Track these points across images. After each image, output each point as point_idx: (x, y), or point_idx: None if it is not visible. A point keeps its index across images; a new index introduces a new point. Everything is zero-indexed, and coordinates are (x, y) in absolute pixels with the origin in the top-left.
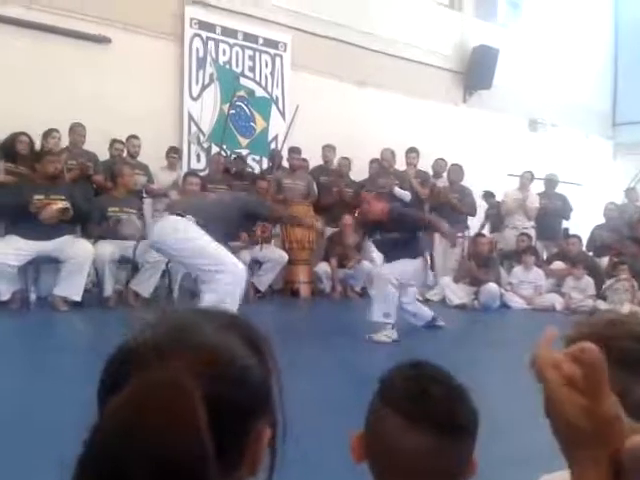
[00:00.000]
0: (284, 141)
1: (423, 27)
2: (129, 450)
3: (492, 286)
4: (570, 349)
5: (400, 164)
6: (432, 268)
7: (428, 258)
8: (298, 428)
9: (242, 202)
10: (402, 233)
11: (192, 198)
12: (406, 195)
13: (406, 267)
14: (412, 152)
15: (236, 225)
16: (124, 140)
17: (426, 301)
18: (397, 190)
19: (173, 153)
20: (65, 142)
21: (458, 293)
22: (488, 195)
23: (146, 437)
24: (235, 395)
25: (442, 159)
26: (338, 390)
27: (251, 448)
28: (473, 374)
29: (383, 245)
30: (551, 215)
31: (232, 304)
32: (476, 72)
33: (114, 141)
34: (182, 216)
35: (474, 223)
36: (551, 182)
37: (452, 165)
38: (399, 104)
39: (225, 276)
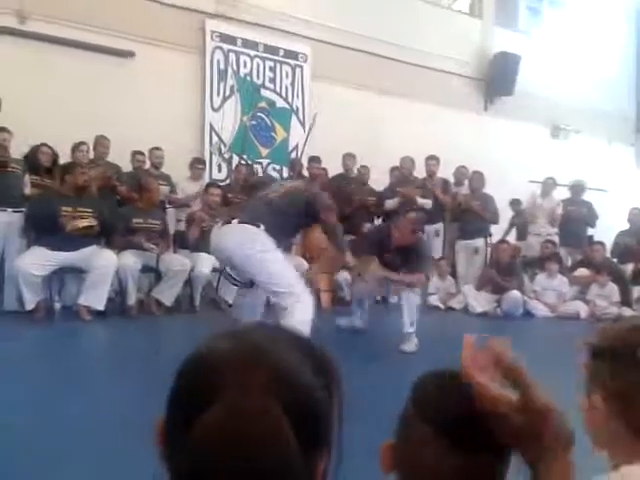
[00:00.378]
0: (303, 149)
1: (443, 35)
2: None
3: (515, 294)
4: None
5: (421, 172)
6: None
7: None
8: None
9: (307, 196)
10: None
11: (257, 202)
12: (427, 203)
13: None
14: (432, 159)
15: (294, 228)
16: (147, 152)
17: (448, 309)
18: (419, 200)
19: (198, 164)
20: (90, 155)
21: (480, 301)
22: (515, 203)
23: (237, 463)
24: (307, 418)
25: (464, 167)
26: (365, 399)
27: (314, 471)
28: None
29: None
30: (576, 222)
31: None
32: (497, 79)
33: (135, 152)
34: (257, 226)
35: (497, 231)
36: (577, 188)
37: (474, 173)
38: (420, 112)
39: (298, 307)
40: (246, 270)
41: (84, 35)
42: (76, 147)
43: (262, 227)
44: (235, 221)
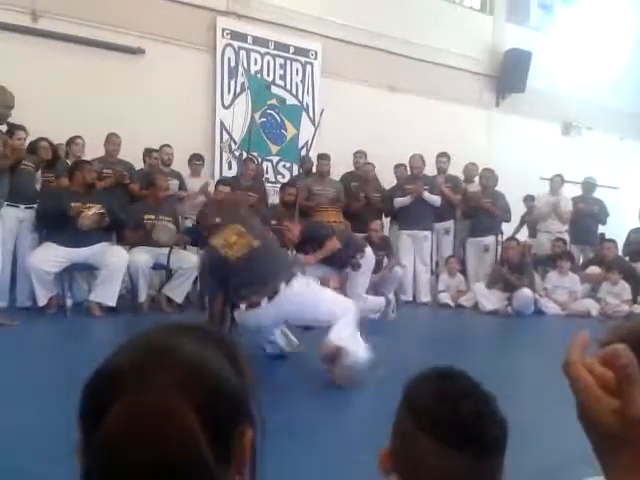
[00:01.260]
0: (311, 145)
1: (454, 31)
2: (129, 471)
3: (526, 291)
4: (602, 351)
5: (431, 169)
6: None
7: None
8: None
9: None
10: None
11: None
12: (436, 200)
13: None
14: (442, 157)
15: None
16: (158, 149)
17: (458, 307)
18: (427, 195)
19: (196, 160)
20: (100, 152)
21: (491, 299)
22: (528, 199)
23: (144, 460)
24: (218, 405)
25: (473, 163)
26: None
27: (236, 450)
28: (506, 381)
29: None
30: (587, 219)
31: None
32: (509, 76)
33: (149, 150)
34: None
35: (509, 228)
36: (589, 186)
37: (484, 170)
38: (431, 109)
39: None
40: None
41: (95, 32)
42: (72, 141)
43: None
44: None
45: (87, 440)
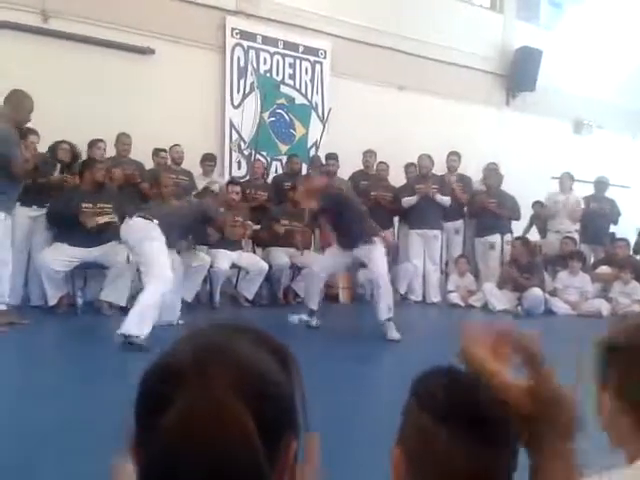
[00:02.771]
0: (319, 144)
1: (464, 30)
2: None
3: (536, 291)
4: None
5: (442, 168)
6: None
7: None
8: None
9: (200, 208)
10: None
11: (163, 206)
12: (446, 201)
13: (381, 254)
14: (453, 155)
15: (189, 230)
16: (167, 148)
17: (468, 306)
18: (437, 196)
19: (208, 161)
20: (111, 152)
21: (501, 298)
22: (537, 205)
23: (202, 460)
24: (268, 410)
25: (494, 164)
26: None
27: (281, 460)
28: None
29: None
30: (598, 219)
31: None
32: (519, 74)
33: (157, 150)
34: (150, 220)
35: (519, 227)
36: (601, 185)
37: (488, 167)
38: (440, 108)
39: (149, 283)
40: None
41: (105, 33)
42: (93, 144)
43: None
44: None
45: (143, 435)
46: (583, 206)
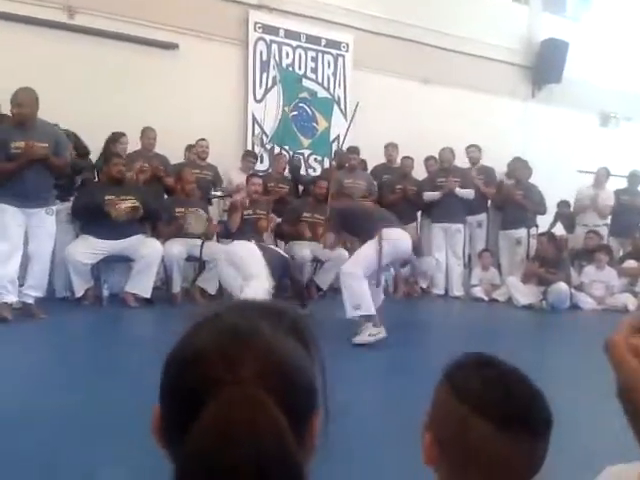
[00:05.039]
0: (344, 139)
1: (489, 22)
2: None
3: (562, 286)
4: None
5: (462, 161)
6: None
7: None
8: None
9: None
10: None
11: None
12: (469, 194)
13: (365, 251)
14: (472, 147)
15: None
16: (193, 143)
17: (492, 301)
18: (459, 191)
19: (250, 157)
20: (130, 146)
21: (525, 293)
22: (563, 205)
23: (240, 462)
24: (296, 398)
25: (519, 158)
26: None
27: (309, 434)
28: (541, 376)
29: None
30: (629, 212)
31: None
32: (545, 66)
33: (191, 146)
34: None
35: (545, 222)
36: (635, 178)
37: (516, 161)
38: (465, 101)
39: None
40: None
41: (129, 28)
42: (116, 139)
43: None
44: None
45: (170, 425)
46: (614, 200)
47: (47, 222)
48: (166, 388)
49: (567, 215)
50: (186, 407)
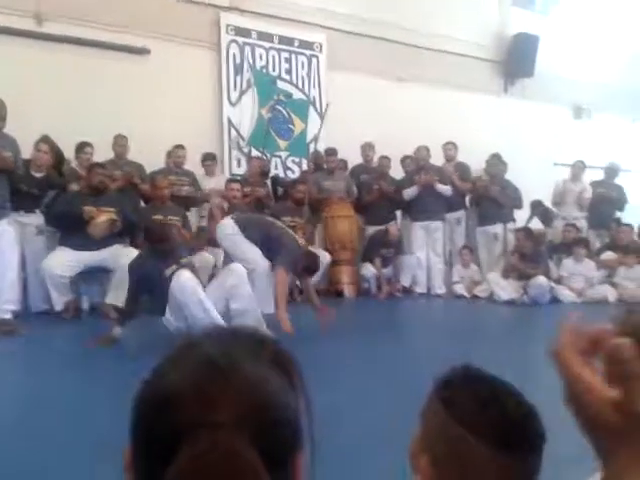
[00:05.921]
0: (317, 139)
1: (459, 18)
2: None
3: (541, 279)
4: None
5: (441, 159)
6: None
7: None
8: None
9: None
10: None
11: None
12: (447, 190)
13: None
14: (449, 144)
15: None
16: (168, 148)
17: (474, 297)
18: (438, 186)
19: (208, 160)
20: (103, 154)
21: (507, 288)
22: (536, 205)
23: None
24: (280, 435)
25: (497, 154)
26: (378, 389)
27: (292, 476)
28: (523, 373)
29: None
30: (605, 204)
31: None
32: (516, 61)
33: (170, 152)
34: None
35: (522, 216)
36: (611, 171)
37: (491, 156)
38: (439, 98)
39: None
40: None
41: (99, 34)
42: (80, 148)
43: None
44: None
45: (141, 468)
46: (590, 193)
47: (8, 232)
48: (137, 429)
49: (542, 212)
50: (158, 452)
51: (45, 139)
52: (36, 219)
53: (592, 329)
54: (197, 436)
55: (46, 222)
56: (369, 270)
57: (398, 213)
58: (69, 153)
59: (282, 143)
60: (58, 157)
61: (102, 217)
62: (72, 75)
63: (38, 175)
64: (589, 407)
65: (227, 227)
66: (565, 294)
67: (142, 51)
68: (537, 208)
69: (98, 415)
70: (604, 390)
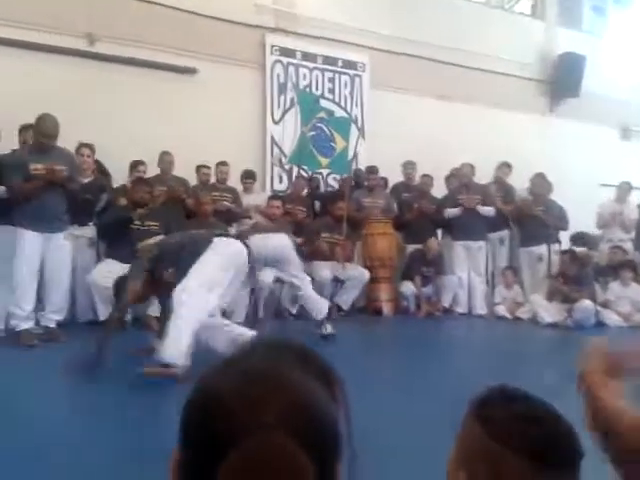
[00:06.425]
0: (357, 156)
1: (505, 37)
2: None
3: (587, 303)
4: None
5: (484, 177)
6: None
7: None
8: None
9: None
10: None
11: None
12: (489, 212)
13: None
14: (505, 167)
15: None
16: (211, 165)
17: (516, 319)
18: (480, 208)
19: (247, 178)
20: (154, 170)
21: (550, 310)
22: (578, 237)
23: None
24: (324, 441)
25: (542, 173)
26: (417, 407)
27: None
28: (562, 395)
29: None
30: None
31: None
32: (563, 80)
33: (200, 167)
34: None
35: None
36: None
37: (535, 176)
38: (483, 116)
39: None
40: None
41: (148, 54)
42: (134, 166)
43: None
44: None
45: (190, 469)
46: (637, 214)
47: (65, 246)
48: (187, 431)
49: (583, 244)
50: (208, 453)
51: (84, 144)
52: (89, 231)
53: (617, 352)
54: (249, 436)
55: (98, 234)
56: (408, 288)
57: (439, 232)
58: (118, 170)
59: (323, 160)
60: (99, 166)
61: (150, 240)
62: (121, 94)
63: (86, 180)
64: (611, 429)
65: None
66: (611, 318)
67: (190, 71)
68: (578, 242)
69: (139, 422)
70: (627, 413)
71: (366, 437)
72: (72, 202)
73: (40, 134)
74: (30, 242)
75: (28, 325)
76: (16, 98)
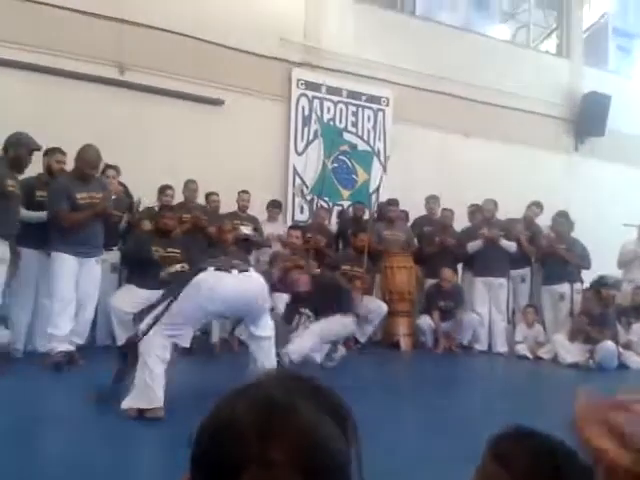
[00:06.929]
0: (378, 190)
1: (530, 76)
2: None
3: (609, 344)
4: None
5: (505, 213)
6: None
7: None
8: None
9: None
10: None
11: None
12: (511, 246)
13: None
14: (536, 207)
15: None
16: (236, 194)
17: (537, 358)
18: (503, 242)
19: (273, 207)
20: (179, 197)
21: (571, 351)
22: (596, 284)
23: None
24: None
25: (564, 211)
26: (434, 444)
27: None
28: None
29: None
30: None
31: None
32: (587, 119)
33: (209, 194)
34: None
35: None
36: None
37: (558, 214)
38: (506, 154)
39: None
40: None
41: (177, 85)
42: (162, 191)
43: None
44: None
45: None
46: None
47: (96, 271)
48: (197, 457)
49: (606, 285)
50: (213, 472)
51: (110, 166)
52: (114, 256)
53: (608, 400)
54: (254, 471)
55: (122, 258)
56: (426, 322)
57: (459, 267)
58: (147, 197)
59: (345, 192)
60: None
61: (176, 266)
62: (149, 122)
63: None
64: (606, 472)
65: None
66: (634, 360)
67: (217, 102)
68: (599, 285)
69: (148, 445)
70: (619, 456)
71: (380, 477)
72: (106, 227)
73: (85, 164)
74: (69, 266)
75: (64, 347)
76: (45, 122)
